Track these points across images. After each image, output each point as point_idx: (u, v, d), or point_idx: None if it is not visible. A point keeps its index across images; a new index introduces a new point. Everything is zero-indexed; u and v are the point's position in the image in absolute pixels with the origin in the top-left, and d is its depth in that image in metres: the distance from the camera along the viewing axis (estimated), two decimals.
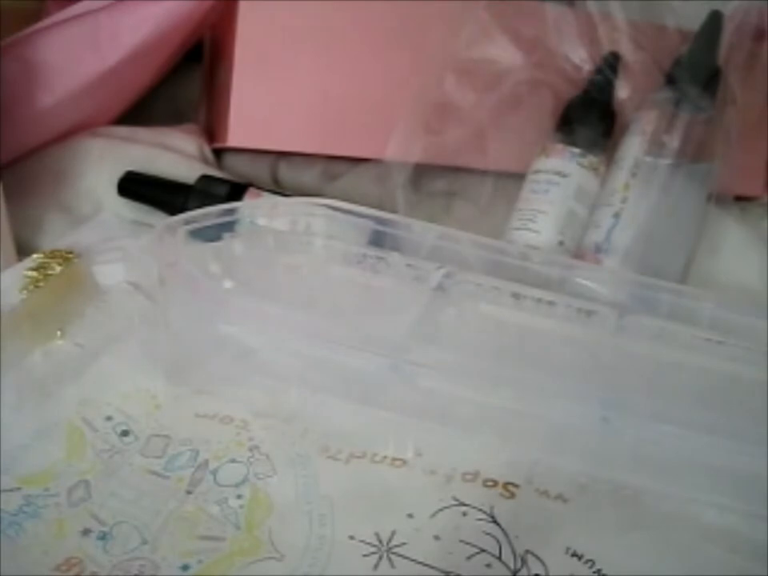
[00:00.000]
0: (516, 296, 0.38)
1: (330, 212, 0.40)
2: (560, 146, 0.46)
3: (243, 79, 0.49)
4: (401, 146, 0.47)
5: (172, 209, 0.47)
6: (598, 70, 0.48)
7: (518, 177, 0.47)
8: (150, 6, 0.48)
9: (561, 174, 0.45)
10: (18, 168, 0.48)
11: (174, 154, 0.51)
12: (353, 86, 0.50)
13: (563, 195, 0.45)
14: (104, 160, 0.49)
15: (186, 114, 0.58)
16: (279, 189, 0.54)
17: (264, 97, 0.50)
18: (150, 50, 0.49)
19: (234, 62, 0.49)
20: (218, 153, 0.54)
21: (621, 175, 0.46)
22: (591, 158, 0.46)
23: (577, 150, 0.46)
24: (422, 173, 0.48)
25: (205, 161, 0.52)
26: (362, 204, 0.50)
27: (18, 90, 0.45)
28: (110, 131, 0.51)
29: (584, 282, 0.39)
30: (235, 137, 0.50)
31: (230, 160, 0.54)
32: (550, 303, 0.37)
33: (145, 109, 0.55)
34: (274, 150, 0.52)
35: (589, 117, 0.47)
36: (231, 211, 0.39)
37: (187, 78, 0.59)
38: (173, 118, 0.57)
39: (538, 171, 0.46)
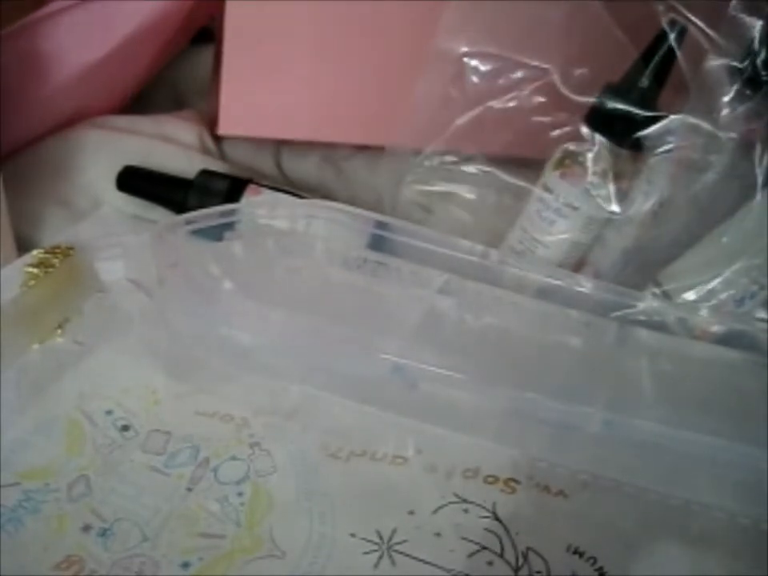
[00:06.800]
0: (515, 304, 0.38)
1: (330, 214, 0.40)
2: (578, 170, 0.41)
3: (233, 68, 0.49)
4: (403, 135, 0.46)
5: (171, 204, 0.47)
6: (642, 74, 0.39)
7: (519, 175, 0.47)
8: None
9: (571, 207, 0.42)
10: (16, 162, 0.48)
11: (173, 146, 0.51)
12: (344, 75, 0.50)
13: (570, 227, 0.42)
14: (101, 152, 0.49)
15: (188, 98, 0.57)
16: (282, 173, 0.53)
17: (254, 86, 0.49)
18: (145, 39, 0.49)
19: (224, 52, 0.48)
20: (220, 138, 0.53)
21: (647, 204, 0.41)
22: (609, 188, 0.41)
23: (596, 181, 0.41)
24: (422, 163, 0.48)
25: (204, 150, 0.52)
26: (362, 193, 0.49)
27: (13, 80, 0.45)
28: (108, 121, 0.51)
29: (582, 290, 0.38)
30: (225, 126, 0.50)
31: (231, 147, 0.53)
32: (550, 312, 0.37)
33: (146, 94, 0.55)
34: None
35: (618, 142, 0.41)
36: (232, 212, 0.39)
37: (189, 62, 0.59)
38: (174, 103, 0.57)
39: (549, 189, 0.42)
